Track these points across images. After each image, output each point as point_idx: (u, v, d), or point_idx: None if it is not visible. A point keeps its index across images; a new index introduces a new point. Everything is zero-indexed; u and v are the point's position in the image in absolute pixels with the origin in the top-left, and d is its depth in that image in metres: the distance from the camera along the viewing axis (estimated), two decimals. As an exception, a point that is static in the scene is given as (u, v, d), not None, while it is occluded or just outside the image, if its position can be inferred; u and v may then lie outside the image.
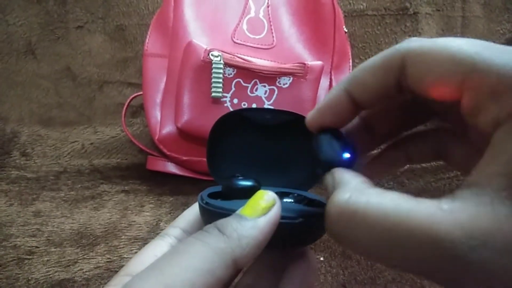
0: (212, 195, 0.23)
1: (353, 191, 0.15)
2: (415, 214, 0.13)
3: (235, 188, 0.23)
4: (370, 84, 0.17)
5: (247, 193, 0.20)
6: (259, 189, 0.20)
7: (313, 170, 0.26)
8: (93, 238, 0.43)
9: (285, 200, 0.25)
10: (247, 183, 0.23)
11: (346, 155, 0.19)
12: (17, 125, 0.66)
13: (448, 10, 0.67)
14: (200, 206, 0.21)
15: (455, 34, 0.68)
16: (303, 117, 0.21)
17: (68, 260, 0.39)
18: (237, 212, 0.17)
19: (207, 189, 0.24)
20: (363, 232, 0.14)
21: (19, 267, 0.38)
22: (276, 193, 0.19)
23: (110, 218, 0.47)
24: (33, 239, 0.43)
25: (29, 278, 0.36)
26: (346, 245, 0.15)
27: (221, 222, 0.16)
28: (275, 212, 0.17)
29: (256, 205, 0.17)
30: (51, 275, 0.36)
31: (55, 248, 0.41)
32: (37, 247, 0.41)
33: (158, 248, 0.20)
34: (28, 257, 0.39)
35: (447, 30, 0.68)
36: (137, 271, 0.15)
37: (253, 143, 0.28)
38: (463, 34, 0.68)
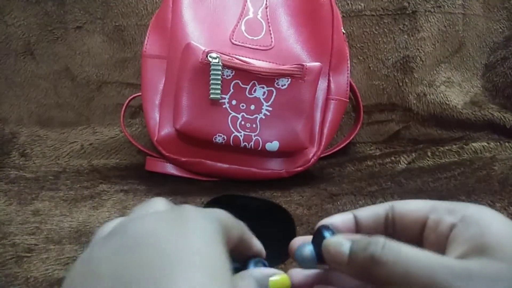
0: None
1: (401, 244, 0.18)
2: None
3: None
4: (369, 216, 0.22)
5: None
6: None
7: (286, 249, 0.31)
8: (92, 236, 0.43)
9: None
10: None
11: None
12: (16, 126, 0.67)
13: (449, 7, 0.67)
14: None
15: (456, 32, 0.68)
16: (281, 207, 0.25)
17: (67, 258, 0.39)
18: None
19: None
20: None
21: (18, 265, 0.38)
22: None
23: (109, 217, 0.47)
24: (32, 237, 0.43)
25: (28, 277, 0.36)
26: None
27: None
28: None
29: None
30: (50, 273, 0.36)
31: (54, 245, 0.41)
32: (36, 244, 0.41)
33: None
34: (27, 255, 0.39)
35: (448, 28, 0.68)
36: None
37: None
38: (464, 32, 0.68)
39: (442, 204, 0.20)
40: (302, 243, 0.22)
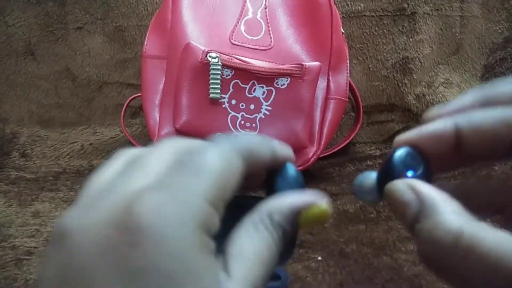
0: None
1: (464, 219, 0.14)
2: None
3: None
4: (488, 133, 0.16)
5: None
6: None
7: (287, 250, 0.29)
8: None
9: None
10: None
11: (420, 170, 0.17)
12: (16, 126, 0.67)
13: (446, 10, 0.67)
14: None
15: (454, 34, 0.68)
16: None
17: (67, 260, 0.39)
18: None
19: None
20: (474, 269, 0.14)
21: (18, 267, 0.38)
22: None
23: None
24: (32, 239, 0.43)
25: (28, 279, 0.36)
26: (443, 275, 0.15)
27: None
28: None
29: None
30: (50, 275, 0.37)
31: (54, 248, 0.41)
32: (36, 247, 0.41)
33: None
34: (26, 257, 0.39)
35: (446, 30, 0.68)
36: None
37: (239, 224, 0.33)
38: (462, 34, 0.68)
39: None
40: (368, 172, 0.18)
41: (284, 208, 0.15)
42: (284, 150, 0.18)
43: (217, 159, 0.14)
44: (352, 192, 0.18)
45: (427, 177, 0.17)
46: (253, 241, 0.15)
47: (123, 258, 0.12)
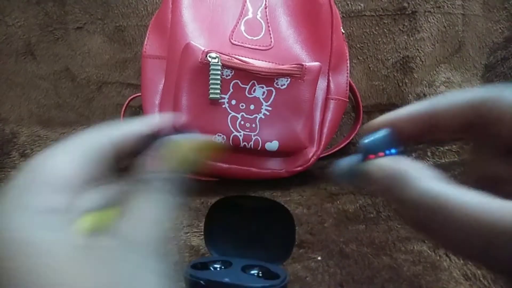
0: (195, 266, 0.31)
1: (441, 183, 0.16)
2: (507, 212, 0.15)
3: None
4: (454, 113, 0.19)
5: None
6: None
7: (286, 248, 0.32)
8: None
9: (251, 272, 0.32)
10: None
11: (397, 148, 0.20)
12: (16, 126, 0.67)
13: (448, 7, 0.67)
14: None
15: (455, 33, 0.68)
16: (280, 204, 0.26)
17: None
18: None
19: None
20: (451, 224, 0.16)
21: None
22: (245, 265, 0.24)
23: (109, 219, 0.47)
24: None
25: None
26: (425, 232, 0.17)
27: None
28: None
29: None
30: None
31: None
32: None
33: None
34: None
35: (447, 29, 0.68)
36: None
37: (241, 223, 0.36)
38: (463, 33, 0.68)
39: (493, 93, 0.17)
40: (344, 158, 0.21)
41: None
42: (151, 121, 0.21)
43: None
44: (332, 178, 0.21)
45: (403, 153, 0.20)
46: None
47: None
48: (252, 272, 0.33)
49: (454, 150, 0.59)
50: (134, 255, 0.15)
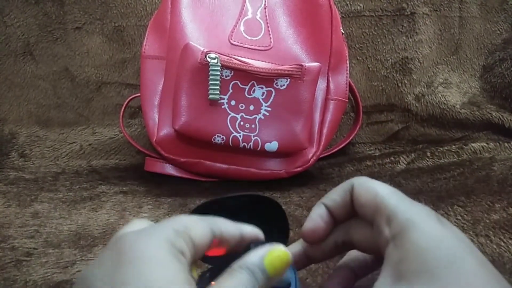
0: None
1: None
2: None
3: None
4: (338, 200, 0.24)
5: None
6: None
7: (282, 237, 0.30)
8: (91, 239, 0.43)
9: None
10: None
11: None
12: (15, 126, 0.67)
13: (445, 10, 0.67)
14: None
15: (452, 35, 0.68)
16: (262, 196, 0.27)
17: (66, 261, 0.39)
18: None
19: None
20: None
21: (17, 269, 0.38)
22: None
23: (108, 219, 0.47)
24: (31, 240, 0.43)
25: (27, 280, 0.36)
26: None
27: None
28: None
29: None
30: (49, 277, 0.36)
31: (53, 249, 0.41)
32: (35, 248, 0.41)
33: None
34: (26, 258, 0.39)
35: (445, 31, 0.68)
36: None
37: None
38: (460, 35, 0.68)
39: (387, 206, 0.20)
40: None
41: (252, 256, 0.19)
42: (250, 232, 0.22)
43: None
44: None
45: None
46: (232, 279, 0.18)
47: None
48: None
49: (453, 150, 0.59)
50: None
